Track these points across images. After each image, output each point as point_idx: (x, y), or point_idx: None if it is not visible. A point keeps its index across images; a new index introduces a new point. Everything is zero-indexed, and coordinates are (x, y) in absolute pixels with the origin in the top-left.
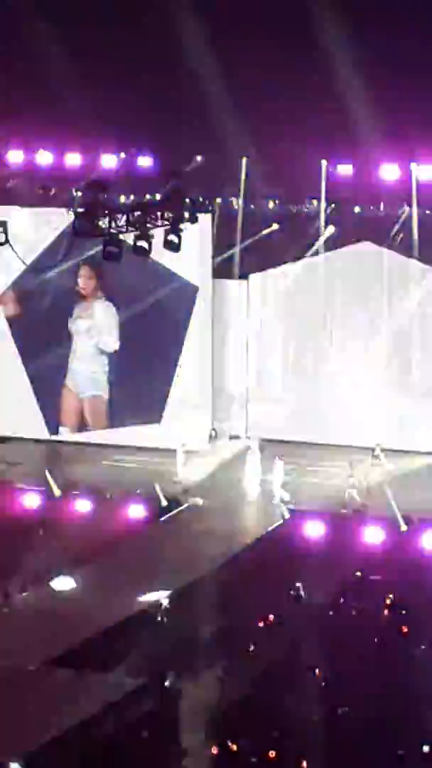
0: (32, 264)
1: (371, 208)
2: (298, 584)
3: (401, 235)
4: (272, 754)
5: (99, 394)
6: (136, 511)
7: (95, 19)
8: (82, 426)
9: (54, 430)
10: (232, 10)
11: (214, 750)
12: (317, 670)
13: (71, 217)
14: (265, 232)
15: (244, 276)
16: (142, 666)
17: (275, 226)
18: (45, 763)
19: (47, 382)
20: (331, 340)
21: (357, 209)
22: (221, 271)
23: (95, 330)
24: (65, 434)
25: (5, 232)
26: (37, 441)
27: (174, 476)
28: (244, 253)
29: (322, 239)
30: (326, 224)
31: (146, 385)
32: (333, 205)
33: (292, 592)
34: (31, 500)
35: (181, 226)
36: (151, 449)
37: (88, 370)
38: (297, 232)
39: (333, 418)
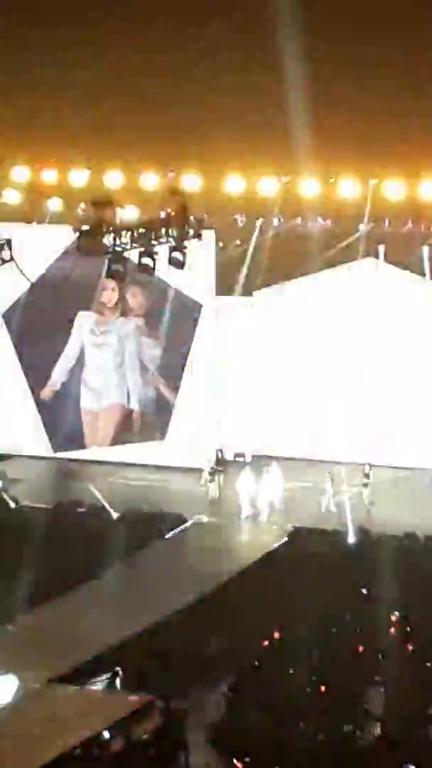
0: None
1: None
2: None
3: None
4: None
5: (119, 403)
6: (141, 528)
7: (99, 34)
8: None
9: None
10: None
11: None
12: (323, 687)
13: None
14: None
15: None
16: (147, 683)
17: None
18: None
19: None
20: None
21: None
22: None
23: (129, 344)
24: (92, 450)
25: (10, 249)
26: (39, 458)
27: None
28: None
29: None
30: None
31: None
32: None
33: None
34: (36, 517)
35: (186, 243)
36: (155, 466)
37: (105, 382)
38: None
39: (331, 435)
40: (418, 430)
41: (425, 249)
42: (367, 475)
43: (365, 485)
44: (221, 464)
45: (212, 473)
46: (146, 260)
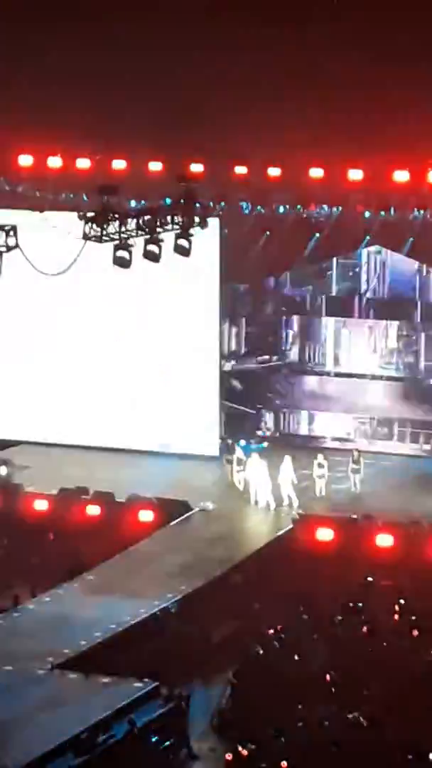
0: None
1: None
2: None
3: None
4: (284, 764)
5: None
6: (146, 516)
7: (104, 24)
8: None
9: None
10: (236, 14)
11: (224, 755)
12: (327, 675)
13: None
14: None
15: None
16: (152, 670)
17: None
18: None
19: None
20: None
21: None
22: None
23: None
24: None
25: (15, 236)
26: (44, 445)
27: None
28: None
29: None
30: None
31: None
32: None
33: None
34: (41, 505)
35: (191, 230)
36: (161, 453)
37: None
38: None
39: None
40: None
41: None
42: (356, 461)
43: (355, 471)
44: (231, 452)
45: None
46: (152, 247)
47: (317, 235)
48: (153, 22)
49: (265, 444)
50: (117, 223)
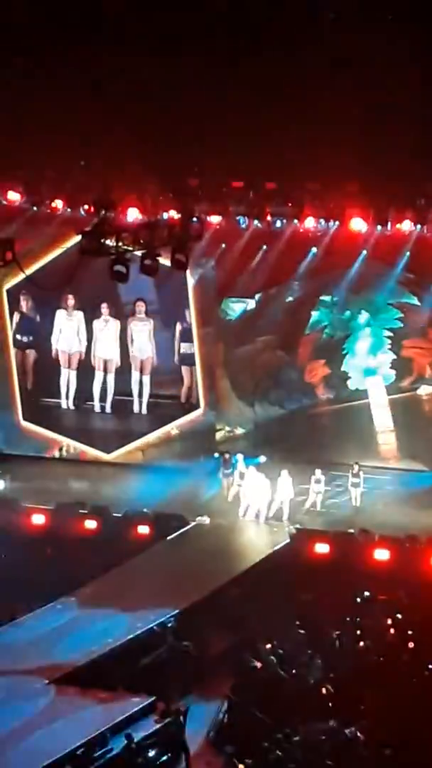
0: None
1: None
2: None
3: None
4: None
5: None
6: (143, 530)
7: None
8: None
9: None
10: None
11: None
12: (324, 690)
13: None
14: None
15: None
16: (149, 685)
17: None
18: None
19: None
20: None
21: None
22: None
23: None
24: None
25: (12, 249)
26: (40, 459)
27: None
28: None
29: None
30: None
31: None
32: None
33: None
34: (38, 519)
35: (189, 244)
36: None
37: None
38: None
39: None
40: None
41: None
42: (356, 475)
43: (355, 485)
44: (228, 466)
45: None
46: (149, 261)
47: (314, 249)
48: (148, 39)
49: (262, 458)
50: (114, 237)
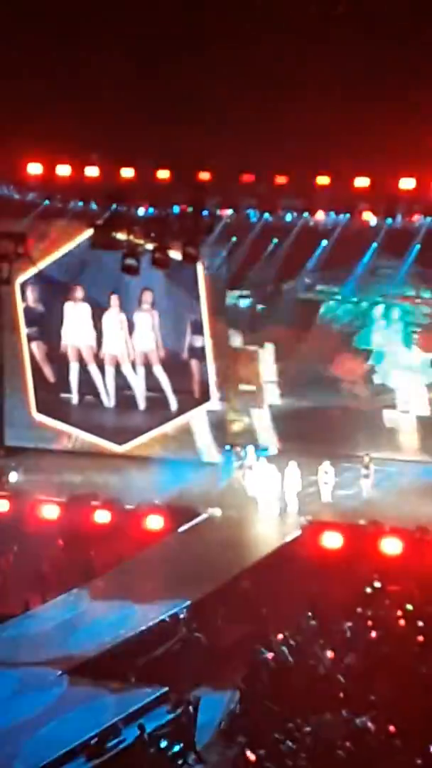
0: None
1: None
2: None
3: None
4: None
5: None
6: (155, 522)
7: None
8: None
9: None
10: (245, 18)
11: (233, 760)
12: (335, 681)
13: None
14: None
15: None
16: (161, 675)
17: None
18: None
19: None
20: None
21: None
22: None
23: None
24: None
25: (24, 244)
26: (52, 452)
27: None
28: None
29: None
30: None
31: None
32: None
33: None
34: (51, 511)
35: (199, 238)
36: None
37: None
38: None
39: None
40: None
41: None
42: (366, 467)
43: (365, 476)
44: (239, 458)
45: (238, 468)
46: (160, 255)
47: (324, 242)
48: (160, 28)
49: (272, 449)
50: (125, 230)
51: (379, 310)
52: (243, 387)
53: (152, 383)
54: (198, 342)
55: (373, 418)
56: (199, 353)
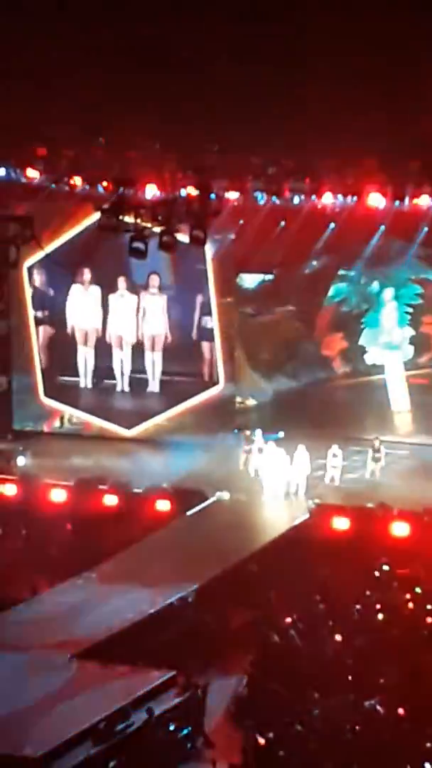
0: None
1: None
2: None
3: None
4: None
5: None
6: (163, 505)
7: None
8: None
9: None
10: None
11: (242, 743)
12: (344, 663)
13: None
14: None
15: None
16: (169, 659)
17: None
18: (74, 755)
19: None
20: None
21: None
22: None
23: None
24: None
25: (31, 228)
26: (60, 435)
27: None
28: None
29: None
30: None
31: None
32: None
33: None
34: (58, 495)
35: (207, 221)
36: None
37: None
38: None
39: None
40: None
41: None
42: (377, 450)
43: (376, 459)
44: (248, 442)
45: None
46: (167, 238)
47: (332, 225)
48: (165, 11)
49: (281, 433)
50: (132, 214)
51: (386, 292)
52: (251, 369)
53: (161, 367)
54: (207, 324)
55: (379, 400)
56: (208, 336)
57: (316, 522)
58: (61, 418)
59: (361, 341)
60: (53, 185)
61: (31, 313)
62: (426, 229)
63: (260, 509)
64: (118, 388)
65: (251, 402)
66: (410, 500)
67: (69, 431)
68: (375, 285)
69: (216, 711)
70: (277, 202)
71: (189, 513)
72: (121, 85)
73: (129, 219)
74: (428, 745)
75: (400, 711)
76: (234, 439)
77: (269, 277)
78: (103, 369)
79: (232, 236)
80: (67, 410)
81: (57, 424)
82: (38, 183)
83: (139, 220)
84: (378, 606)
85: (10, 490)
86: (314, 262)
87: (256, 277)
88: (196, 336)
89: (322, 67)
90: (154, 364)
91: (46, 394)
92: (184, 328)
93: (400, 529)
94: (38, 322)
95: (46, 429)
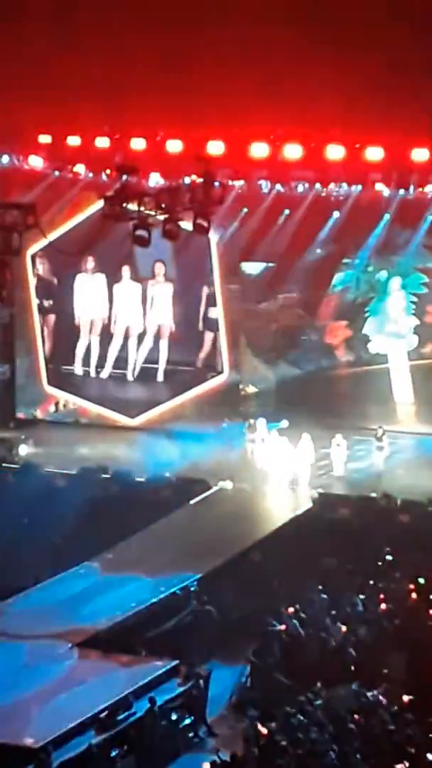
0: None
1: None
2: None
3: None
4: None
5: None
6: (166, 494)
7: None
8: None
9: None
10: None
11: (244, 733)
12: (347, 653)
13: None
14: None
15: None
16: (172, 648)
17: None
18: (75, 745)
19: None
20: None
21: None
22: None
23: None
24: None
25: (34, 214)
26: (63, 424)
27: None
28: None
29: None
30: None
31: None
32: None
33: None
34: (61, 484)
35: (210, 209)
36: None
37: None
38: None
39: None
40: None
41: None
42: (380, 439)
43: (379, 449)
44: (252, 431)
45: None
46: (171, 226)
47: (337, 214)
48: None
49: (285, 422)
50: (136, 202)
51: (394, 281)
52: (252, 355)
53: (166, 356)
54: (212, 313)
55: (382, 389)
56: (213, 325)
57: (319, 511)
58: (56, 404)
59: (366, 330)
60: (56, 173)
61: (34, 301)
62: (431, 218)
63: (263, 498)
64: (123, 377)
65: (251, 389)
66: (414, 490)
67: (63, 417)
68: (383, 274)
69: (218, 700)
70: (282, 190)
71: (192, 502)
72: (126, 72)
73: (133, 207)
74: (431, 735)
75: (404, 701)
76: (238, 429)
77: (272, 264)
78: (108, 358)
79: (237, 224)
80: (71, 399)
81: (52, 408)
82: (41, 170)
83: (142, 208)
84: (381, 596)
85: (12, 478)
86: (318, 250)
87: (259, 264)
88: (201, 326)
89: (327, 55)
90: (159, 353)
91: (50, 383)
92: (190, 317)
93: (403, 518)
94: (42, 310)
95: (40, 415)
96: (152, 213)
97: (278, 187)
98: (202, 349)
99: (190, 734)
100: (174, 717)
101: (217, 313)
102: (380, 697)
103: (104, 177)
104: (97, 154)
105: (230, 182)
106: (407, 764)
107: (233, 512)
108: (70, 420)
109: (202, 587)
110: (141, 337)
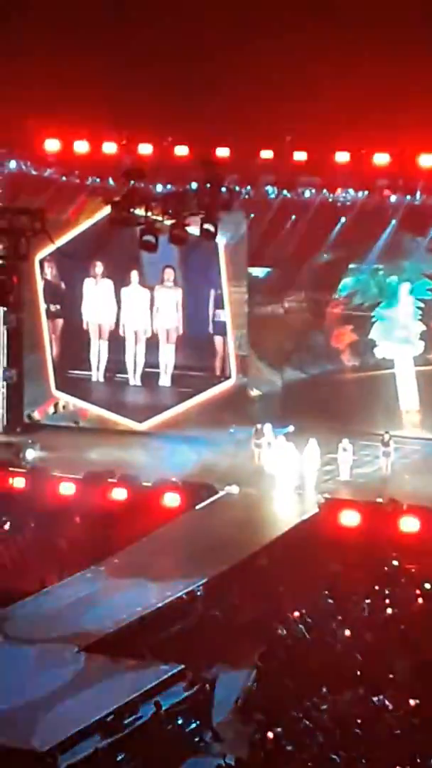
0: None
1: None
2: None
3: None
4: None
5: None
6: (172, 499)
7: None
8: None
9: None
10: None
11: (250, 738)
12: (353, 658)
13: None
14: None
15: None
16: (178, 653)
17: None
18: (82, 749)
19: None
20: None
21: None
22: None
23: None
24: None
25: (42, 220)
26: (69, 428)
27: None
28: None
29: None
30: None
31: None
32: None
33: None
34: (67, 488)
35: (217, 214)
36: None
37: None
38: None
39: None
40: None
41: None
42: (386, 444)
43: (386, 454)
44: (259, 436)
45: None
46: (178, 231)
47: (343, 219)
48: (179, 3)
49: (292, 427)
50: (143, 207)
51: (404, 286)
52: (257, 359)
53: (174, 360)
54: (221, 317)
55: (388, 394)
56: (221, 330)
57: (325, 516)
58: (55, 405)
59: (372, 335)
60: (64, 178)
61: (43, 306)
62: None
63: (270, 503)
64: (130, 382)
65: (256, 393)
66: (420, 495)
67: (62, 419)
68: (393, 279)
69: (224, 705)
70: (289, 195)
71: (198, 507)
72: (132, 78)
73: (140, 212)
74: None
75: (410, 704)
76: (245, 434)
77: (279, 268)
78: (116, 362)
79: (244, 230)
80: (79, 403)
81: (51, 410)
82: (49, 176)
83: (149, 214)
84: (387, 601)
85: (19, 482)
86: (325, 255)
87: (266, 269)
88: (211, 330)
89: (335, 61)
90: (167, 358)
91: (58, 388)
92: (198, 322)
93: (409, 524)
94: (49, 315)
95: (38, 416)
96: (159, 218)
97: (285, 192)
98: (209, 354)
99: (196, 739)
100: (180, 721)
101: (224, 317)
102: (386, 702)
103: (111, 182)
104: (105, 160)
105: (237, 188)
106: None
107: (239, 517)
108: (71, 422)
109: (209, 592)
110: (148, 342)
